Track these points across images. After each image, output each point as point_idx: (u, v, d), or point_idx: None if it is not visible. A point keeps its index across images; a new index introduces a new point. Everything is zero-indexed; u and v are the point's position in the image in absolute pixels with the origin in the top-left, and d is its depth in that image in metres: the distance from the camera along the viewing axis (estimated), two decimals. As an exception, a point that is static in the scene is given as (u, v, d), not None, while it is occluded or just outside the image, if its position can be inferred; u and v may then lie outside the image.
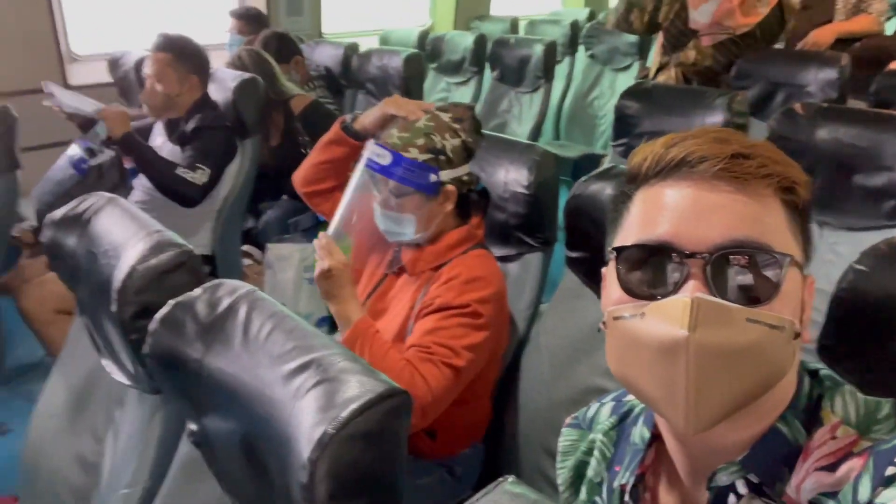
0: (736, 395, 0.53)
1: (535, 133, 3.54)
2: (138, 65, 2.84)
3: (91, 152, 2.25)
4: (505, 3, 5.30)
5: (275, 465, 0.67)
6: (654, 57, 2.62)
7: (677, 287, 0.55)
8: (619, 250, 0.59)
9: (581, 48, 4.35)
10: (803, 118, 1.58)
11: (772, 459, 0.57)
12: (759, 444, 0.57)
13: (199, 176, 2.05)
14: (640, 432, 0.69)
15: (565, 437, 0.77)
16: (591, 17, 4.94)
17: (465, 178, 1.31)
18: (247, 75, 2.27)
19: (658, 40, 2.58)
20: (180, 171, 2.03)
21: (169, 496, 0.93)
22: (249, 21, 3.33)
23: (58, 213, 1.12)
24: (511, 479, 0.52)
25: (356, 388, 0.62)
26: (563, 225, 1.31)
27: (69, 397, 1.21)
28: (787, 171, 0.57)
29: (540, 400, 1.35)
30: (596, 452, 0.73)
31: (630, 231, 0.60)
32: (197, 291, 0.80)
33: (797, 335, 0.55)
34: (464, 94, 3.84)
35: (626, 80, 3.78)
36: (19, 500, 1.80)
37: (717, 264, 0.54)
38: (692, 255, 0.54)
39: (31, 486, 1.23)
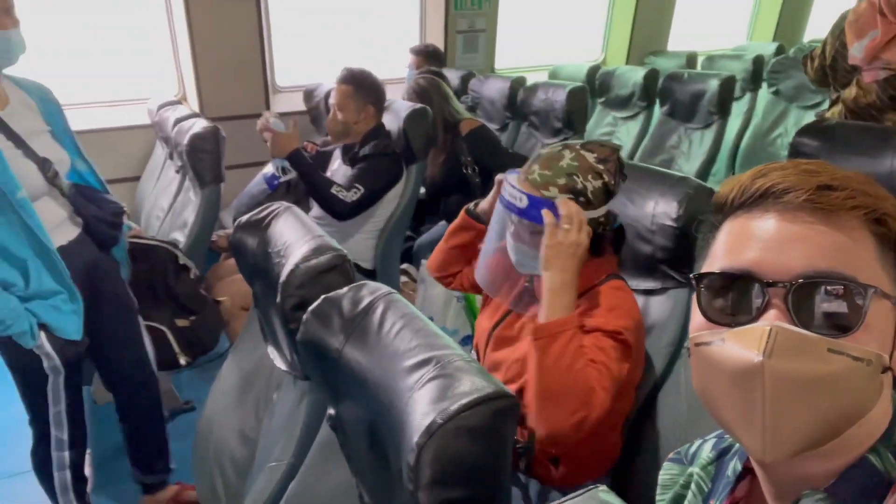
0: (815, 426, 0.52)
1: (705, 170, 3.39)
2: (328, 96, 3.18)
3: (283, 171, 2.56)
4: (684, 39, 5.14)
5: (392, 450, 0.73)
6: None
7: (758, 315, 0.55)
8: (702, 277, 0.60)
9: (765, 85, 4.10)
10: None
11: (860, 489, 0.54)
12: (846, 474, 0.55)
13: (351, 194, 2.25)
14: (733, 465, 0.68)
15: (666, 471, 0.77)
16: (779, 51, 4.63)
17: (602, 219, 1.27)
18: (418, 106, 2.45)
19: None
20: (334, 189, 2.24)
21: (308, 472, 1.04)
22: (428, 57, 3.58)
23: (244, 218, 1.31)
24: (603, 487, 0.54)
25: (468, 386, 0.66)
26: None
27: (239, 378, 1.39)
28: (876, 203, 0.55)
29: (675, 440, 1.30)
30: (693, 486, 0.72)
31: (714, 259, 0.61)
32: (344, 289, 0.90)
33: (886, 369, 0.54)
34: (630, 129, 3.78)
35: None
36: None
37: (798, 294, 0.54)
38: (773, 284, 0.55)
39: (202, 453, 1.42)
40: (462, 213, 1.55)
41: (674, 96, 3.55)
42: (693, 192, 1.39)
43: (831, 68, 2.35)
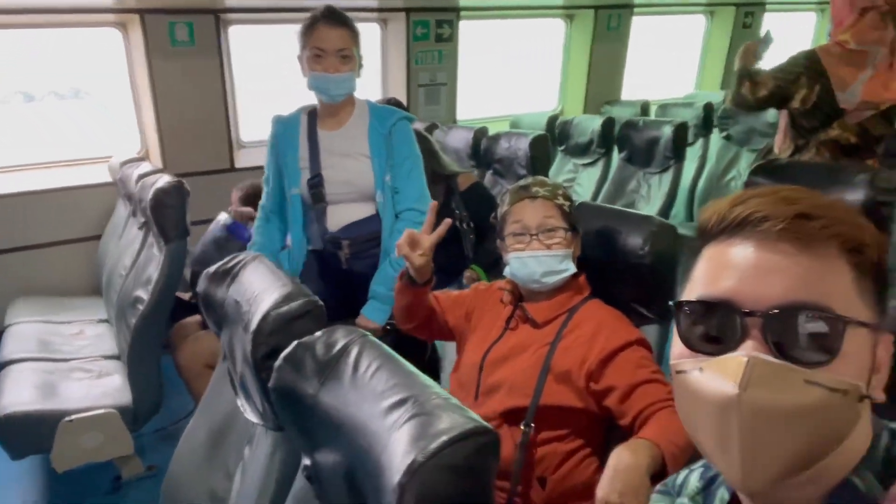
0: (793, 456, 0.53)
1: (665, 213, 3.48)
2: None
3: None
4: (637, 89, 5.35)
5: (371, 495, 0.71)
6: (779, 138, 2.53)
7: (735, 345, 0.55)
8: (681, 304, 0.60)
9: (716, 130, 4.28)
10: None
11: None
12: (832, 498, 0.55)
13: None
14: (720, 495, 0.67)
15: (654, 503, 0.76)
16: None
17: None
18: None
19: (782, 123, 2.49)
20: None
21: (282, 529, 1.00)
22: (391, 110, 3.64)
23: (212, 269, 1.29)
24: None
25: (447, 423, 0.66)
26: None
27: (208, 436, 1.34)
28: (853, 232, 0.56)
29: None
30: None
31: (694, 286, 0.61)
32: (317, 334, 0.89)
33: (863, 397, 0.54)
34: (591, 175, 3.88)
35: (765, 160, 3.65)
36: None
37: (774, 324, 0.54)
38: (751, 314, 0.55)
39: (169, 517, 1.35)
40: (399, 279, 1.48)
41: (631, 143, 3.67)
42: (657, 230, 1.42)
43: (810, 113, 2.32)
